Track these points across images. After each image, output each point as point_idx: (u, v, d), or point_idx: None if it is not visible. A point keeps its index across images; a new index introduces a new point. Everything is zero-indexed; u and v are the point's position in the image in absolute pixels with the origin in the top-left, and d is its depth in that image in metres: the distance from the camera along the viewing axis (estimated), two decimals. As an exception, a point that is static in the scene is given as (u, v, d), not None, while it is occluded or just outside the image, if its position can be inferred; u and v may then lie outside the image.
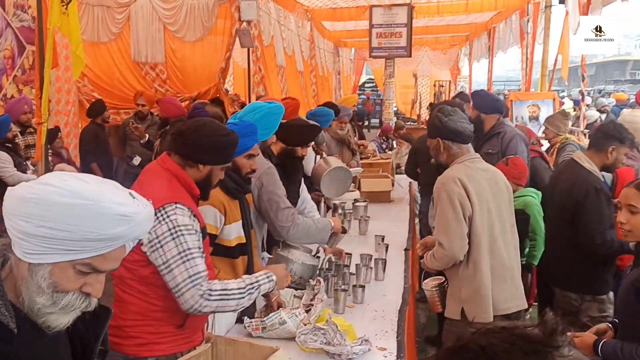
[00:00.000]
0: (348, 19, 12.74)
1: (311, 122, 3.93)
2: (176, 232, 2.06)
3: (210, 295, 2.09)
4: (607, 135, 3.56)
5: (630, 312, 2.21)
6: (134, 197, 1.18)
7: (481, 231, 2.86)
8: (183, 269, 2.05)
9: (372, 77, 24.69)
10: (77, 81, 7.31)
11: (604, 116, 11.35)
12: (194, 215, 2.17)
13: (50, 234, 1.08)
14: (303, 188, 3.77)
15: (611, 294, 3.52)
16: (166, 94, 8.37)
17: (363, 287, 3.12)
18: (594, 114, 11.07)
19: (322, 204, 4.94)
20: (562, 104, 15.19)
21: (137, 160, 6.78)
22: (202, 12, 8.41)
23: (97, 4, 8.16)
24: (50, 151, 5.24)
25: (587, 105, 11.59)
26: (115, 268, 1.20)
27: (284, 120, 3.35)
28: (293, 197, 3.58)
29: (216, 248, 2.74)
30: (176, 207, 2.08)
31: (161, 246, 2.06)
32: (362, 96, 22.90)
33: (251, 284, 2.26)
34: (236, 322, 2.79)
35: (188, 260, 2.06)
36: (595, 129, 3.79)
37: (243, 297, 2.22)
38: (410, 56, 12.09)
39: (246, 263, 2.92)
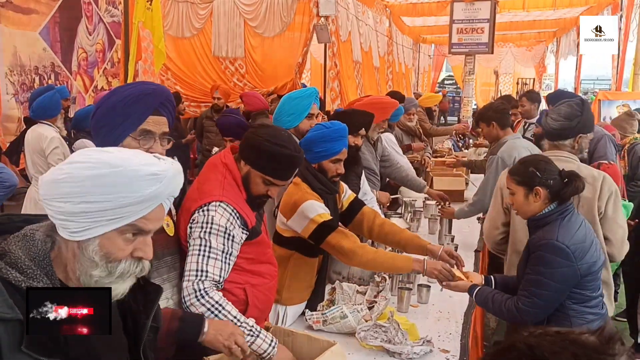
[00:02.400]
0: (428, 15, 12.51)
1: (363, 109, 3.80)
2: (207, 227, 2.04)
3: (202, 296, 1.98)
4: None
5: (521, 271, 2.47)
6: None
7: None
8: (195, 260, 2.02)
9: (451, 74, 24.18)
10: (161, 74, 7.62)
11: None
12: (239, 217, 2.12)
13: (90, 207, 1.12)
14: (363, 180, 3.71)
15: None
16: (244, 88, 8.58)
17: (428, 287, 3.07)
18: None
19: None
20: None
21: (215, 151, 6.99)
22: (281, 8, 8.55)
23: (183, 0, 8.48)
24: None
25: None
26: (159, 227, 1.23)
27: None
28: (353, 189, 3.52)
29: (299, 245, 2.75)
30: (218, 206, 2.07)
31: (191, 233, 2.06)
32: (439, 93, 22.49)
33: (251, 326, 2.02)
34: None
35: (204, 256, 2.03)
36: None
37: (237, 324, 2.01)
38: (492, 53, 11.72)
39: (320, 262, 2.91)
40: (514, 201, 2.54)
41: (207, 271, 2.01)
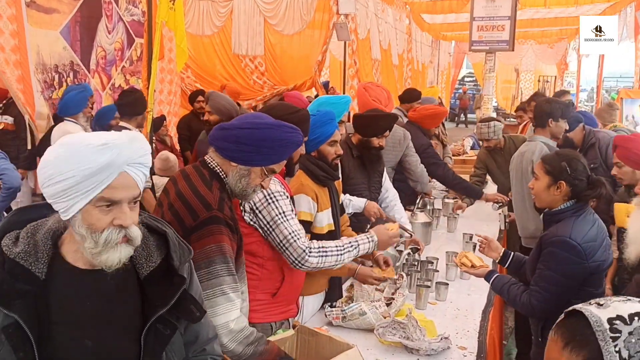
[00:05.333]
0: (449, 12, 12.44)
1: (387, 112, 3.87)
2: (271, 198, 2.26)
3: (310, 251, 2.29)
4: None
5: (532, 265, 2.55)
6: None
7: None
8: (283, 228, 2.26)
9: (471, 70, 24.01)
10: (181, 72, 7.70)
11: None
12: (282, 185, 2.36)
13: (62, 186, 1.26)
14: (385, 178, 3.77)
15: None
16: (264, 86, 8.63)
17: (447, 284, 3.09)
18: None
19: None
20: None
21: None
22: (301, 6, 8.58)
23: (203, -1, 8.55)
24: (155, 138, 5.58)
25: None
26: (134, 196, 1.32)
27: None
28: (375, 187, 3.61)
29: (311, 236, 2.82)
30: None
31: (260, 212, 2.26)
32: (459, 90, 22.35)
33: (349, 242, 2.45)
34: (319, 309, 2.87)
35: (285, 221, 2.26)
36: None
37: (342, 254, 2.41)
38: (513, 50, 11.59)
39: None
40: (535, 186, 2.59)
41: (294, 230, 2.29)
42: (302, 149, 2.56)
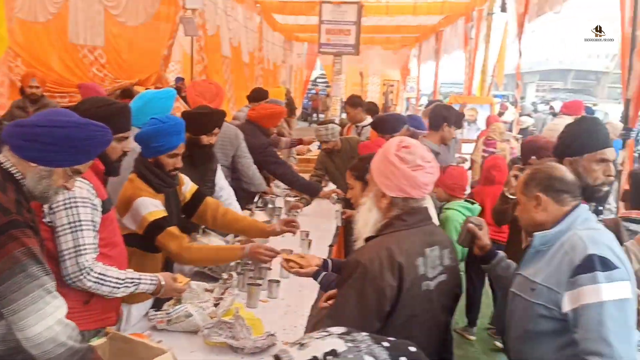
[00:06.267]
0: (299, 14, 12.73)
1: (214, 108, 3.87)
2: (71, 202, 2.15)
3: (89, 273, 2.18)
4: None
5: None
6: None
7: None
8: (70, 238, 2.14)
9: (324, 72, 24.76)
10: (9, 61, 7.02)
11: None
12: (94, 189, 2.24)
13: None
14: (220, 176, 3.75)
15: None
16: (104, 79, 8.16)
17: (278, 282, 3.15)
18: (527, 120, 11.49)
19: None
20: (506, 108, 15.68)
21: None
22: (145, -3, 8.23)
23: (34, -19, 7.86)
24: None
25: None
26: None
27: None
28: (209, 186, 3.59)
29: (138, 241, 2.77)
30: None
31: (54, 213, 2.15)
32: (312, 91, 22.97)
33: (131, 279, 2.33)
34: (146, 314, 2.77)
35: (80, 230, 2.15)
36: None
37: (119, 288, 2.29)
38: (358, 54, 12.17)
39: (165, 257, 2.92)
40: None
41: (83, 244, 2.15)
42: (126, 146, 2.43)
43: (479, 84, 10.61)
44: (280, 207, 4.97)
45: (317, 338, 0.97)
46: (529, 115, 12.98)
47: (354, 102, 6.57)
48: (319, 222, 4.80)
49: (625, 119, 4.60)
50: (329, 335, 0.97)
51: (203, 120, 3.49)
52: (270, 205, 4.82)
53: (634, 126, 4.56)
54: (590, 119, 2.92)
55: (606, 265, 1.96)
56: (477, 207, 4.16)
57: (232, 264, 3.26)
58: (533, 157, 3.76)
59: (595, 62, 50.46)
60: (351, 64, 20.18)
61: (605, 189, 2.64)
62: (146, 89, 6.55)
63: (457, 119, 4.59)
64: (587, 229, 2.11)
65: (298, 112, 19.10)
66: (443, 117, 4.47)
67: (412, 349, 0.97)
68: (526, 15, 7.94)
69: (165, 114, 3.40)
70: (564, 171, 2.26)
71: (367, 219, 2.17)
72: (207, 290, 2.86)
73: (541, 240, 2.17)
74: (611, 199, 4.88)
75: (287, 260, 3.06)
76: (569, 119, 7.62)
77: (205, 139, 3.48)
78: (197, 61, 8.48)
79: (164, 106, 3.39)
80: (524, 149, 4.03)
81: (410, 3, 11.82)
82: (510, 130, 9.68)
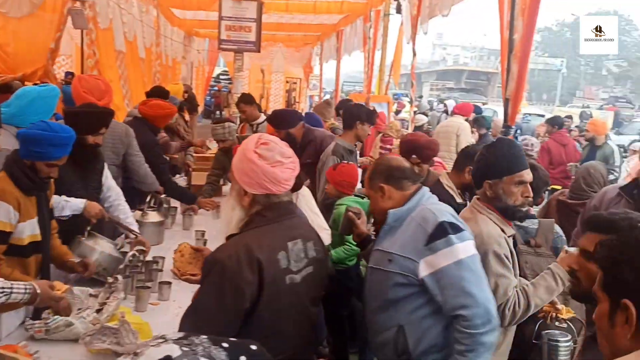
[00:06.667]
0: (197, 9, 12.45)
1: (102, 107, 3.72)
2: None
3: None
4: (465, 156, 3.85)
5: None
6: None
7: None
8: None
9: (226, 69, 24.43)
10: None
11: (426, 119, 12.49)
12: None
13: None
14: (107, 176, 3.60)
15: None
16: (-17, 73, 7.56)
17: (169, 283, 3.08)
18: (422, 118, 11.99)
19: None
20: (403, 106, 16.26)
21: None
22: (29, -13, 7.70)
23: None
24: None
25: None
26: None
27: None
28: (94, 187, 3.44)
29: (9, 247, 2.63)
30: None
31: None
32: (215, 88, 22.63)
33: (2, 288, 2.19)
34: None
35: None
36: (460, 151, 4.18)
37: None
38: (259, 51, 12.07)
39: (40, 261, 2.78)
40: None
41: None
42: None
43: (377, 82, 10.91)
44: (176, 207, 4.86)
45: (152, 345, 0.96)
46: (424, 113, 13.55)
47: (249, 99, 6.56)
48: (217, 221, 4.74)
49: (505, 117, 4.92)
50: (165, 341, 0.97)
51: (90, 119, 3.35)
52: (165, 205, 4.69)
53: (513, 124, 4.88)
54: (507, 141, 2.89)
55: (456, 228, 2.26)
56: (367, 202, 4.27)
57: (121, 266, 3.15)
58: (414, 157, 3.89)
59: (487, 63, 53.55)
60: (254, 61, 20.08)
61: (525, 209, 2.74)
62: (34, 84, 6.14)
63: (368, 116, 4.71)
64: (432, 204, 2.42)
65: (200, 109, 18.75)
66: (355, 116, 4.60)
67: (254, 347, 0.98)
68: (419, 18, 8.26)
69: (49, 113, 3.23)
70: (401, 161, 2.57)
71: (230, 218, 2.18)
72: (91, 295, 2.73)
73: (394, 217, 2.39)
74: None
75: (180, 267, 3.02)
76: (460, 119, 8.07)
77: (91, 139, 3.33)
78: (89, 55, 8.06)
79: (48, 106, 3.22)
80: (402, 147, 4.16)
81: (311, 2, 11.92)
82: (406, 127, 10.06)
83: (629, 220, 1.98)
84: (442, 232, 2.23)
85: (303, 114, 5.96)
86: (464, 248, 2.23)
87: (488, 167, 2.72)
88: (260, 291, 2.02)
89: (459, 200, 3.75)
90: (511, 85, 4.74)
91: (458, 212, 3.75)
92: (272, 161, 2.09)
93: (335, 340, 3.99)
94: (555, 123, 9.14)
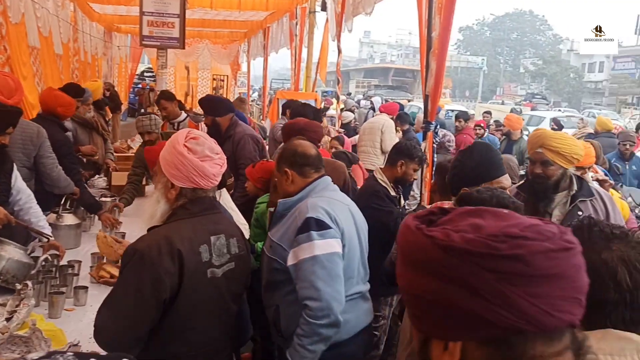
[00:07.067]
0: (117, 3, 12.03)
1: (9, 105, 3.53)
2: None
3: None
4: (397, 151, 4.01)
5: None
6: None
7: None
8: None
9: (151, 66, 23.77)
10: None
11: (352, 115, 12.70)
12: None
13: None
14: (16, 178, 3.41)
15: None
16: None
17: (85, 288, 2.96)
18: (349, 115, 12.15)
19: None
20: (330, 103, 16.41)
21: None
22: None
23: None
24: None
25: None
26: None
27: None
28: (3, 189, 3.26)
29: None
30: None
31: None
32: (139, 86, 21.98)
33: None
34: None
35: None
36: (393, 147, 4.31)
37: None
38: (184, 48, 11.85)
39: None
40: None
41: None
42: None
43: (304, 79, 10.94)
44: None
45: None
46: (351, 110, 13.72)
47: (169, 95, 6.43)
48: (139, 222, 4.61)
49: (425, 113, 5.06)
50: None
51: None
52: (82, 207, 4.50)
53: (433, 119, 5.03)
54: (484, 146, 2.82)
55: (321, 225, 2.38)
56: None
57: (33, 271, 3.00)
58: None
59: (412, 61, 54.91)
60: (180, 58, 19.65)
61: None
62: None
63: (315, 115, 4.78)
64: (319, 197, 2.52)
65: (124, 107, 18.14)
66: (304, 115, 4.65)
67: None
68: (343, 15, 8.35)
69: None
70: (307, 147, 2.66)
71: (154, 211, 2.19)
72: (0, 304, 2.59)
73: (283, 206, 2.56)
74: (414, 186, 5.36)
75: (98, 269, 2.99)
76: (385, 116, 8.23)
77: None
78: (-1, 51, 7.62)
79: None
80: (284, 132, 4.31)
81: (236, -2, 11.80)
82: (334, 124, 10.16)
83: (496, 198, 2.14)
84: (306, 227, 2.38)
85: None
86: (323, 245, 2.35)
87: (465, 173, 2.66)
88: (180, 282, 2.02)
89: (392, 193, 3.87)
90: (430, 82, 4.88)
91: (394, 204, 3.87)
92: (201, 155, 2.12)
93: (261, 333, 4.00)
94: (461, 117, 9.57)
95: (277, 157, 2.71)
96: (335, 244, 2.39)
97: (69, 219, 3.86)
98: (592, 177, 4.71)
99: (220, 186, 2.44)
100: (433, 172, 5.07)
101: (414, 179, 4.22)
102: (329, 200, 2.52)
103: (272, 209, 2.74)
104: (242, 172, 4.46)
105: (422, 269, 0.84)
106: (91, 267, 3.32)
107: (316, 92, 11.22)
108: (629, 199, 6.08)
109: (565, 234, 0.83)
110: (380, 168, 4.11)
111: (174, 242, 2.01)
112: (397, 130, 8.13)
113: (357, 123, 12.84)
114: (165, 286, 1.98)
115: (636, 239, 1.37)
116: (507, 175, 2.71)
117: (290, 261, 2.41)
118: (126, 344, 2.01)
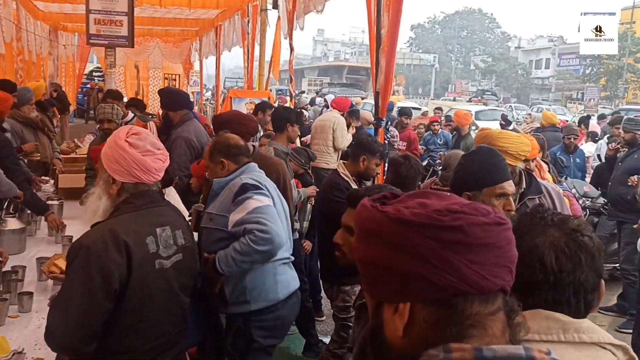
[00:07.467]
0: (62, 2, 11.69)
1: None
2: None
3: None
4: (359, 146, 4.09)
5: None
6: None
7: None
8: None
9: (99, 65, 23.21)
10: None
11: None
12: None
13: None
14: None
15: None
16: None
17: (30, 293, 2.88)
18: (303, 113, 12.17)
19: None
20: (284, 101, 16.39)
21: None
22: None
23: None
24: None
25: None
26: None
27: None
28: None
29: None
30: None
31: None
32: (87, 86, 21.44)
33: None
34: None
35: None
36: (355, 142, 4.41)
37: None
38: (133, 47, 11.58)
39: None
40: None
41: None
42: None
43: (257, 77, 10.89)
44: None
45: None
46: (304, 108, 13.75)
47: (116, 95, 6.33)
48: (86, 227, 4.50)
49: (375, 109, 5.12)
50: None
51: None
52: (28, 211, 4.36)
53: (384, 116, 5.09)
54: (487, 150, 2.66)
55: (255, 187, 2.82)
56: None
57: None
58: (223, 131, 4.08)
59: (366, 59, 55.33)
60: (130, 57, 19.24)
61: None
62: None
63: (297, 117, 4.81)
64: (249, 178, 2.88)
65: (72, 108, 17.66)
66: (285, 119, 4.70)
67: None
68: (294, 13, 8.36)
69: None
70: (237, 139, 3.10)
71: (96, 208, 2.19)
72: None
73: (218, 184, 2.96)
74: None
75: (50, 264, 2.95)
76: (336, 113, 8.27)
77: None
78: None
79: None
80: (214, 125, 4.42)
81: (186, -4, 11.62)
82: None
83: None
84: (242, 190, 2.78)
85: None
86: (261, 199, 2.76)
87: (467, 177, 2.54)
88: (129, 274, 2.02)
89: (354, 186, 3.91)
90: (380, 78, 4.94)
91: None
92: (142, 150, 2.13)
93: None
94: (406, 114, 9.72)
95: (209, 149, 3.07)
96: (269, 200, 2.80)
97: (13, 224, 3.73)
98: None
99: (166, 185, 2.43)
100: (385, 168, 5.14)
101: (377, 174, 4.30)
102: (258, 174, 2.98)
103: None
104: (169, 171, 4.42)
105: (376, 240, 0.96)
106: (39, 272, 3.23)
107: (270, 90, 11.19)
108: (573, 190, 6.32)
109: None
110: (344, 162, 4.18)
111: (120, 234, 2.02)
112: (350, 127, 8.18)
113: (311, 121, 12.85)
114: (114, 277, 1.98)
115: (572, 226, 1.42)
116: (510, 181, 2.57)
117: (231, 223, 2.73)
118: (79, 341, 1.99)
